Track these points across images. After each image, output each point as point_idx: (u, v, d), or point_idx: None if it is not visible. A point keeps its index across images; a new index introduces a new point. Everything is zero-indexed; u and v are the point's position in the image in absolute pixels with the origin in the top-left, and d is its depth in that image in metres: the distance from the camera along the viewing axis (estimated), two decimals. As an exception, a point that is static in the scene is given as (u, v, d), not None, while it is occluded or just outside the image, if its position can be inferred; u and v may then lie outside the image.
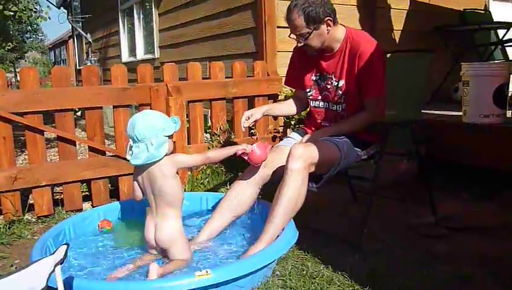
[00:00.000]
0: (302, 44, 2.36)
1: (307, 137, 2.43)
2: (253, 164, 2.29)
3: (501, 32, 4.97)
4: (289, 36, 2.39)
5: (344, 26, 2.45)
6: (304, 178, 2.13)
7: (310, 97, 2.58)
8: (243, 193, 2.35)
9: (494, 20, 5.28)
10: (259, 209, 2.44)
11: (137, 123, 2.00)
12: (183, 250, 2.05)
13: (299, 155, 2.13)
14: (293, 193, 2.11)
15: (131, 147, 2.04)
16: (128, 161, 2.06)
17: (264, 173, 2.35)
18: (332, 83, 2.46)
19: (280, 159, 2.33)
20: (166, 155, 2.05)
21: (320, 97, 2.54)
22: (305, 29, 2.29)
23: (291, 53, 2.70)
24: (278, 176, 2.26)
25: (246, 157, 2.27)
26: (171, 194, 2.05)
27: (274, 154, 2.42)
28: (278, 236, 2.10)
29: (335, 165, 2.29)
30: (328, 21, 2.31)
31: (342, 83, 2.42)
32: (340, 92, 2.43)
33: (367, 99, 2.38)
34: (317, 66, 2.51)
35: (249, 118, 2.50)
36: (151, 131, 1.99)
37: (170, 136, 2.07)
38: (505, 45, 4.87)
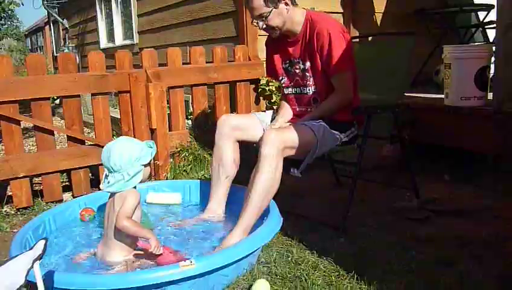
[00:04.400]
0: (264, 27, 2.39)
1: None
2: (158, 261, 1.96)
3: (481, 15, 4.98)
4: (252, 23, 2.43)
5: (304, 9, 2.47)
6: (277, 163, 2.12)
7: (283, 85, 2.62)
8: (223, 154, 2.44)
9: (475, 2, 5.29)
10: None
11: (113, 154, 1.93)
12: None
13: (270, 140, 2.12)
14: (267, 178, 2.10)
15: (106, 176, 1.98)
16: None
17: (236, 134, 2.47)
18: (300, 66, 2.49)
19: (252, 123, 2.53)
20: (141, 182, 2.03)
21: (291, 84, 2.57)
22: (264, 9, 2.32)
23: (265, 47, 2.72)
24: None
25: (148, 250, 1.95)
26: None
27: (245, 119, 2.58)
28: (257, 222, 2.11)
29: (312, 148, 2.28)
30: None
31: (307, 65, 2.45)
32: (308, 74, 2.46)
33: (332, 78, 2.39)
34: (285, 53, 2.54)
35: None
36: (127, 162, 1.93)
37: (147, 164, 2.02)
38: (486, 27, 4.88)
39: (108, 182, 1.96)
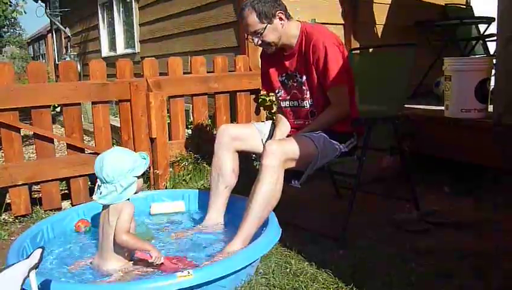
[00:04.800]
0: (260, 43, 2.40)
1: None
2: (161, 269, 1.98)
3: (482, 27, 5.00)
4: (246, 39, 2.45)
5: (300, 21, 2.48)
6: (278, 174, 2.12)
7: (280, 98, 2.62)
8: (223, 164, 2.44)
9: (475, 15, 5.32)
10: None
11: (105, 165, 1.91)
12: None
13: (272, 151, 2.13)
14: (268, 189, 2.11)
15: (99, 186, 1.97)
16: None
17: (235, 145, 2.46)
18: (297, 80, 2.49)
19: (251, 133, 2.53)
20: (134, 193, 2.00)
21: (289, 97, 2.58)
22: (259, 25, 2.34)
23: (260, 59, 2.73)
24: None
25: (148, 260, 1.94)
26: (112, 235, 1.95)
27: (245, 129, 2.56)
28: (256, 232, 2.10)
29: (313, 159, 2.28)
30: (280, 14, 2.37)
31: (304, 78, 2.45)
32: (305, 88, 2.47)
33: (328, 91, 2.39)
34: (281, 67, 2.55)
35: None
36: (120, 173, 1.91)
37: (140, 176, 2.00)
38: (486, 39, 4.90)
39: (101, 193, 1.94)
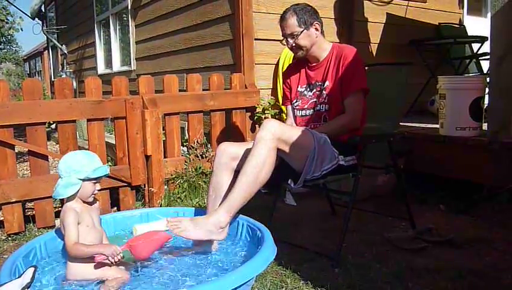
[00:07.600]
0: (293, 45, 2.55)
1: None
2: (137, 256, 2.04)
3: (475, 46, 5.06)
4: (281, 42, 2.63)
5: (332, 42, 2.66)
6: (270, 149, 2.16)
7: (297, 107, 2.69)
8: (221, 184, 2.39)
9: (469, 34, 5.38)
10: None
11: (61, 160, 2.00)
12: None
13: (269, 126, 2.18)
14: (258, 161, 2.14)
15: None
16: None
17: (234, 165, 2.41)
18: (320, 88, 2.60)
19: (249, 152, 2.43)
20: (78, 198, 1.99)
21: (306, 106, 2.64)
22: (297, 28, 2.52)
23: (282, 77, 2.86)
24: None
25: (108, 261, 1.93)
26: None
27: (243, 146, 2.49)
28: (241, 207, 2.14)
29: (309, 154, 2.27)
30: (317, 25, 2.56)
31: (327, 83, 2.56)
32: (325, 92, 2.56)
33: (346, 98, 2.49)
34: (304, 77, 2.69)
35: None
36: (66, 169, 1.95)
37: (92, 180, 1.97)
38: (480, 58, 4.96)
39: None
